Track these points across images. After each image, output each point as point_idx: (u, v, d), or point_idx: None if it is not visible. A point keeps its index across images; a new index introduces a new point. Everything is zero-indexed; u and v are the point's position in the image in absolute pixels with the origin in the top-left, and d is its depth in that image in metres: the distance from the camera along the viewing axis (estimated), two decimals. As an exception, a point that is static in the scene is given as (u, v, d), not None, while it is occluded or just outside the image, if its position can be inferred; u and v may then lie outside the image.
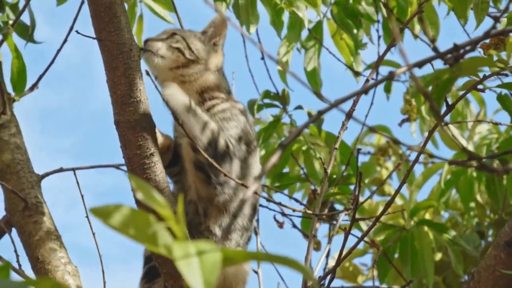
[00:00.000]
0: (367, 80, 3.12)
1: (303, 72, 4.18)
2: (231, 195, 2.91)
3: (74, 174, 2.85)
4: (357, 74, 4.17)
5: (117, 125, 2.79)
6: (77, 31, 2.87)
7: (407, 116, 4.36)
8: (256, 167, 2.97)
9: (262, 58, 4.13)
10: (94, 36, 2.80)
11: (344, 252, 2.84)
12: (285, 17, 3.91)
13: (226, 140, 2.89)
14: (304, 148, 4.11)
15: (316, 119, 1.61)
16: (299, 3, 3.44)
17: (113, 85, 2.79)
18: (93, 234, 2.95)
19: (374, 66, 3.16)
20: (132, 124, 2.77)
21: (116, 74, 2.78)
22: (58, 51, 3.74)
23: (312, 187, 3.90)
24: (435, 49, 1.58)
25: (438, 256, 3.97)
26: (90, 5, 2.78)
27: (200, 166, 2.87)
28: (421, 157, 4.39)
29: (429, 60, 1.62)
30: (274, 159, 1.55)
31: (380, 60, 3.19)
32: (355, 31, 4.16)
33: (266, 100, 4.07)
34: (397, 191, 2.64)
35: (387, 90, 4.50)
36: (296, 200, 3.82)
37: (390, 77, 1.77)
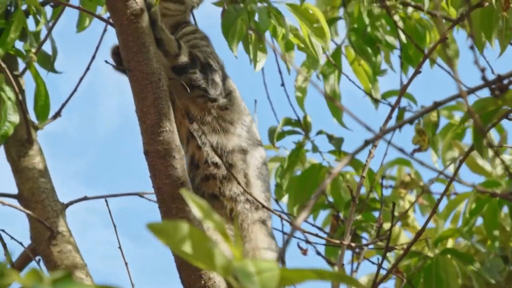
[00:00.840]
0: (393, 108, 3.13)
1: (322, 98, 4.19)
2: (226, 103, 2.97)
3: (106, 203, 2.85)
4: (376, 101, 4.18)
5: (147, 155, 2.80)
6: (106, 61, 2.89)
7: (419, 146, 4.36)
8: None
9: (282, 85, 4.14)
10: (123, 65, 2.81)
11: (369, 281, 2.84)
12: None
13: (206, 56, 2.96)
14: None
15: (363, 148, 1.61)
16: (313, 38, 3.44)
17: (142, 114, 2.80)
18: (126, 264, 2.94)
19: (399, 94, 3.17)
20: (161, 153, 2.78)
21: (145, 104, 2.79)
22: (81, 79, 3.76)
23: (335, 213, 3.90)
24: (484, 78, 1.59)
25: (461, 280, 3.96)
26: (119, 35, 2.79)
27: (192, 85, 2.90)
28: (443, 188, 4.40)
29: (477, 89, 1.63)
30: (323, 186, 1.56)
31: (405, 88, 3.20)
32: (373, 58, 4.18)
33: (287, 128, 4.08)
34: (427, 221, 2.65)
35: (400, 119, 4.50)
36: (319, 228, 3.82)
37: (434, 107, 1.77)
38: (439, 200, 2.62)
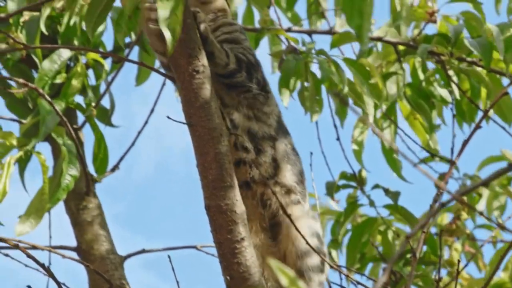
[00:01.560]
0: (452, 164, 3.12)
1: (379, 152, 4.20)
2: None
3: (170, 260, 2.86)
4: (433, 155, 4.18)
5: (208, 210, 2.81)
6: (168, 117, 2.91)
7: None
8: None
9: (338, 139, 4.15)
10: (184, 121, 2.84)
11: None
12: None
13: (247, 53, 2.95)
14: (381, 228, 4.11)
15: (438, 211, 1.61)
16: (366, 97, 3.45)
17: (203, 169, 2.82)
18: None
19: (460, 150, 3.15)
20: (223, 209, 2.79)
21: (206, 159, 2.81)
22: (139, 132, 3.81)
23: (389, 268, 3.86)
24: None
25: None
26: (181, 90, 2.82)
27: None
28: (488, 235, 4.37)
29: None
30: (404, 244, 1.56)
31: (466, 144, 3.19)
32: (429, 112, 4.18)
33: (342, 181, 4.09)
34: (493, 273, 2.62)
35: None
36: (374, 280, 3.79)
37: (497, 176, 1.77)
38: (502, 257, 2.59)
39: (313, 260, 2.93)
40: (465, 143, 3.21)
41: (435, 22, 4.05)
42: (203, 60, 2.77)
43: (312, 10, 4.29)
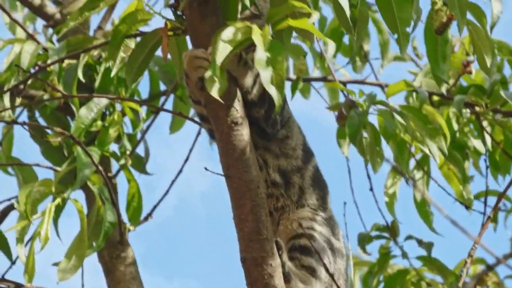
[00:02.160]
0: (488, 218, 3.09)
1: (411, 203, 4.17)
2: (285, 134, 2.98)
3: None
4: (467, 207, 4.14)
5: (243, 262, 2.80)
6: (205, 168, 2.91)
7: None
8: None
9: (371, 189, 4.14)
10: (222, 172, 2.83)
11: None
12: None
13: None
14: (414, 279, 4.08)
15: (486, 273, 1.59)
16: (427, 139, 3.43)
17: (239, 221, 2.81)
18: None
19: (496, 202, 3.14)
20: (259, 261, 2.77)
21: (243, 211, 2.80)
22: (173, 181, 3.81)
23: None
24: None
25: None
26: (219, 141, 2.82)
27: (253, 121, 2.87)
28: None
29: None
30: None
31: (502, 195, 3.17)
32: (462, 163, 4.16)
33: (375, 233, 4.07)
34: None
35: (494, 220, 4.45)
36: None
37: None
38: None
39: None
40: (500, 196, 3.19)
41: (470, 73, 4.03)
42: (242, 112, 2.78)
43: (355, 56, 4.32)
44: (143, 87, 4.03)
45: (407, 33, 2.82)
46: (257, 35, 2.52)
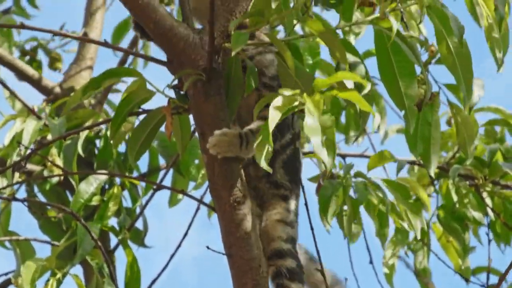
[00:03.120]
0: None
1: (411, 275, 4.16)
2: None
3: None
4: (466, 280, 4.13)
5: None
6: (207, 247, 2.90)
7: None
8: None
9: (371, 262, 4.12)
10: (224, 251, 2.82)
11: None
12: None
13: None
14: None
15: None
16: (409, 213, 3.43)
17: (242, 301, 2.79)
18: None
19: (499, 282, 3.11)
20: None
21: (244, 290, 2.78)
22: (172, 256, 3.78)
23: None
24: None
25: None
26: (221, 220, 2.81)
27: None
28: None
29: None
30: None
31: (504, 276, 3.15)
32: (462, 234, 4.15)
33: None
34: None
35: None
36: None
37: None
38: None
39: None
40: (502, 277, 3.16)
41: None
42: (245, 190, 2.77)
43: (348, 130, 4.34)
44: (142, 160, 4.02)
45: (413, 109, 2.82)
46: (309, 103, 2.51)
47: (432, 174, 3.05)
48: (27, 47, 4.97)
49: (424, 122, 3.00)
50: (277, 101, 2.51)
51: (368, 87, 2.64)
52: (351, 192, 3.45)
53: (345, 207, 3.44)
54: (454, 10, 2.74)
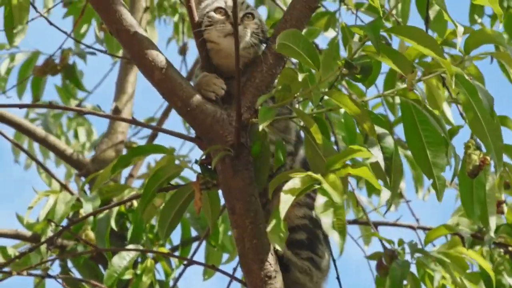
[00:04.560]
0: None
1: None
2: None
3: None
4: None
5: None
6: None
7: None
8: None
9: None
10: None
11: None
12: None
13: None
14: None
15: None
16: (468, 284, 3.39)
17: None
18: None
19: None
20: None
21: None
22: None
23: None
24: None
25: None
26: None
27: None
28: None
29: None
30: None
31: None
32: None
33: None
34: None
35: None
36: None
37: None
38: None
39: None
40: None
41: (503, 213, 4.01)
42: (276, 265, 2.76)
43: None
44: (175, 233, 4.04)
45: (443, 178, 2.80)
46: (324, 183, 2.51)
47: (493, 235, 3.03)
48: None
49: (479, 185, 2.99)
50: (291, 184, 2.52)
51: (381, 163, 2.62)
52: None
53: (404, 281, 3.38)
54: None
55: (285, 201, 2.46)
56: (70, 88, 5.13)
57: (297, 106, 2.92)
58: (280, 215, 2.46)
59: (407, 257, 3.37)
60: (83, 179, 4.20)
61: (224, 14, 2.81)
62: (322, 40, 5.08)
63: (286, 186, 2.49)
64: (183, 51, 5.57)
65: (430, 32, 3.79)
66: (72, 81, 5.05)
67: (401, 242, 3.39)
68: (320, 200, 2.47)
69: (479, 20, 4.70)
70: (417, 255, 3.35)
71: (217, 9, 2.82)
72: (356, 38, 2.73)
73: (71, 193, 3.72)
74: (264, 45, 2.84)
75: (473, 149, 2.97)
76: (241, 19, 2.80)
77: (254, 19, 2.83)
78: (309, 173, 2.51)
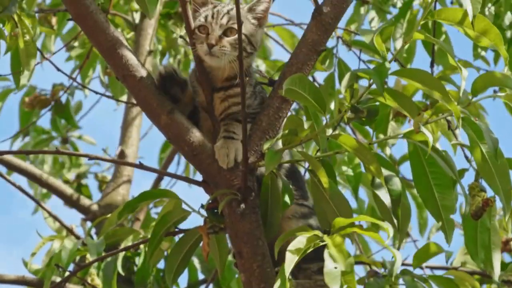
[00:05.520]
0: None
1: None
2: None
3: None
4: None
5: None
6: None
7: None
8: None
9: None
10: None
11: None
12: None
13: None
14: None
15: None
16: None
17: None
18: None
19: None
20: None
21: None
22: None
23: None
24: None
25: None
26: None
27: None
28: None
29: None
30: None
31: None
32: None
33: None
34: None
35: None
36: None
37: None
38: None
39: None
40: None
41: (510, 251, 4.00)
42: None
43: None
44: (182, 275, 4.01)
45: (451, 220, 2.78)
46: (330, 246, 2.47)
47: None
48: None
49: (483, 229, 2.97)
50: (296, 243, 2.48)
51: (391, 233, 2.59)
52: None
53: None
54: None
55: (290, 260, 2.44)
56: (58, 123, 5.19)
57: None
58: (285, 275, 2.43)
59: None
60: (89, 223, 4.19)
61: (205, 32, 2.80)
62: (319, 75, 5.10)
63: (292, 246, 2.46)
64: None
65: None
66: (63, 116, 5.10)
67: (384, 263, 3.37)
68: (329, 265, 2.43)
69: (483, 53, 4.71)
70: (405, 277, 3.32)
71: (200, 26, 2.80)
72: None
73: (77, 238, 3.70)
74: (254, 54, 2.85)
75: (477, 191, 2.96)
76: (219, 38, 2.77)
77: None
78: (317, 232, 2.49)
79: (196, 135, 2.76)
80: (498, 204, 2.99)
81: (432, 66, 3.88)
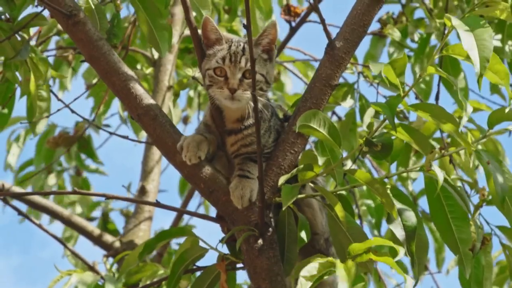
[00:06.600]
0: None
1: None
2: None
3: None
4: None
5: None
6: None
7: None
8: None
9: None
10: None
11: None
12: None
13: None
14: None
15: None
16: None
17: None
18: None
19: None
20: None
21: None
22: None
23: None
24: None
25: None
26: None
27: None
28: None
29: None
30: None
31: None
32: None
33: None
34: None
35: None
36: None
37: None
38: None
39: None
40: None
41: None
42: None
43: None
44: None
45: (469, 253, 2.76)
46: (341, 270, 2.48)
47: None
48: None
49: (478, 265, 2.95)
50: (309, 269, 2.50)
51: (401, 254, 2.58)
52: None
53: None
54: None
55: (304, 286, 2.44)
56: (81, 159, 5.25)
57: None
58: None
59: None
60: (111, 259, 4.20)
61: (223, 75, 2.79)
62: (340, 110, 5.11)
63: (305, 271, 2.47)
64: (185, 121, 5.64)
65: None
66: (86, 152, 5.16)
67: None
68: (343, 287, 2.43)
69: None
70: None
71: (216, 68, 2.79)
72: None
73: (98, 274, 3.71)
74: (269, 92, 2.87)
75: (473, 228, 2.93)
76: (239, 82, 2.76)
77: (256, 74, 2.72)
78: (330, 258, 2.49)
79: (208, 171, 2.77)
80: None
81: (437, 99, 3.88)
